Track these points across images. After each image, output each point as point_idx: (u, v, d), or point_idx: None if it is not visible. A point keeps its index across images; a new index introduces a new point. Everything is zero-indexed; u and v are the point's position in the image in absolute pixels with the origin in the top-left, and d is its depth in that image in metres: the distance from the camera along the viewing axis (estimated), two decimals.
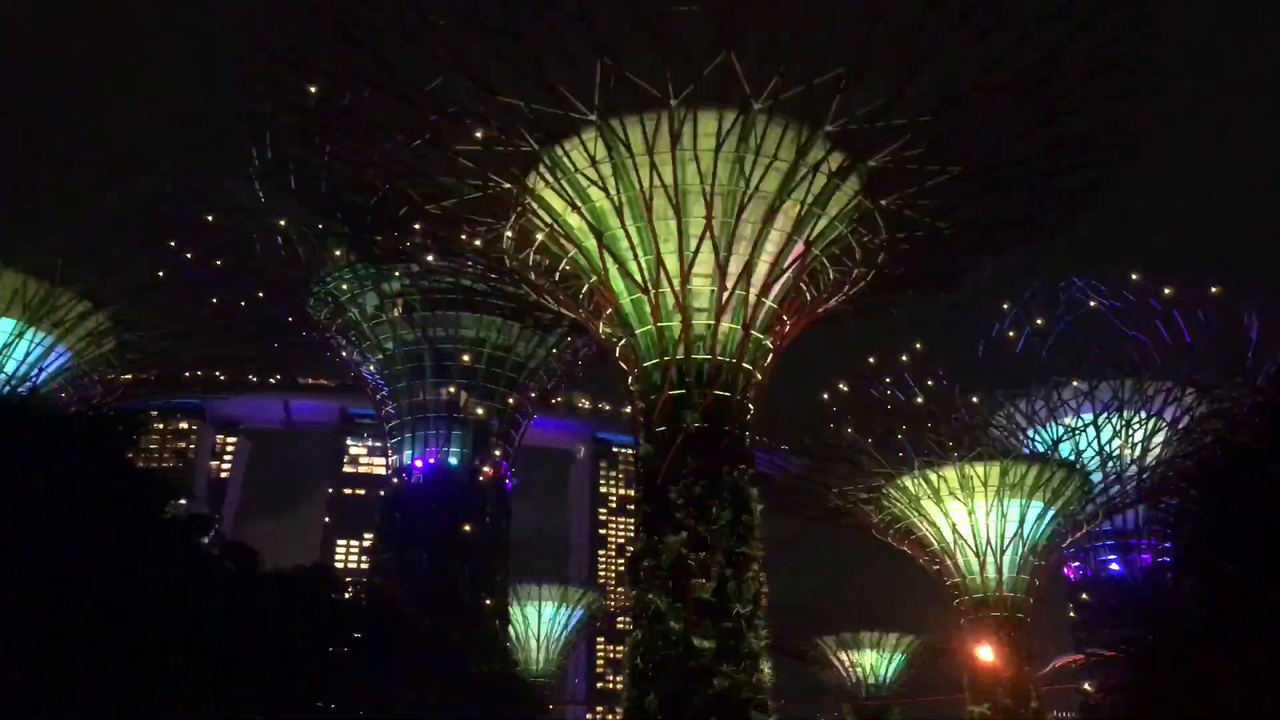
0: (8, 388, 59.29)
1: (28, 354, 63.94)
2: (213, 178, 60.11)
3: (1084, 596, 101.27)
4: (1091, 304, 74.86)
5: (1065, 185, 50.49)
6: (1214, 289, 70.32)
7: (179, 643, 31.65)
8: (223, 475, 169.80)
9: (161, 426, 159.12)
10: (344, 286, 70.21)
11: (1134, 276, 73.06)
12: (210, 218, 63.04)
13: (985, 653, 74.62)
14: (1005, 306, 76.23)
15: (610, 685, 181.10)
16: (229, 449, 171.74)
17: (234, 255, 65.24)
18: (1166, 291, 71.87)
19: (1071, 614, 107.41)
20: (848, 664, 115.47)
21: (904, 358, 76.76)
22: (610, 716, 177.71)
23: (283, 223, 65.74)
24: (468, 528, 72.55)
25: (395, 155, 48.84)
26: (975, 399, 79.43)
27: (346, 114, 46.25)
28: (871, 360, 78.24)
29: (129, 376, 71.99)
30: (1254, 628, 30.11)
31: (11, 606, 27.48)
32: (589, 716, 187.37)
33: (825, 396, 78.59)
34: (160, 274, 64.09)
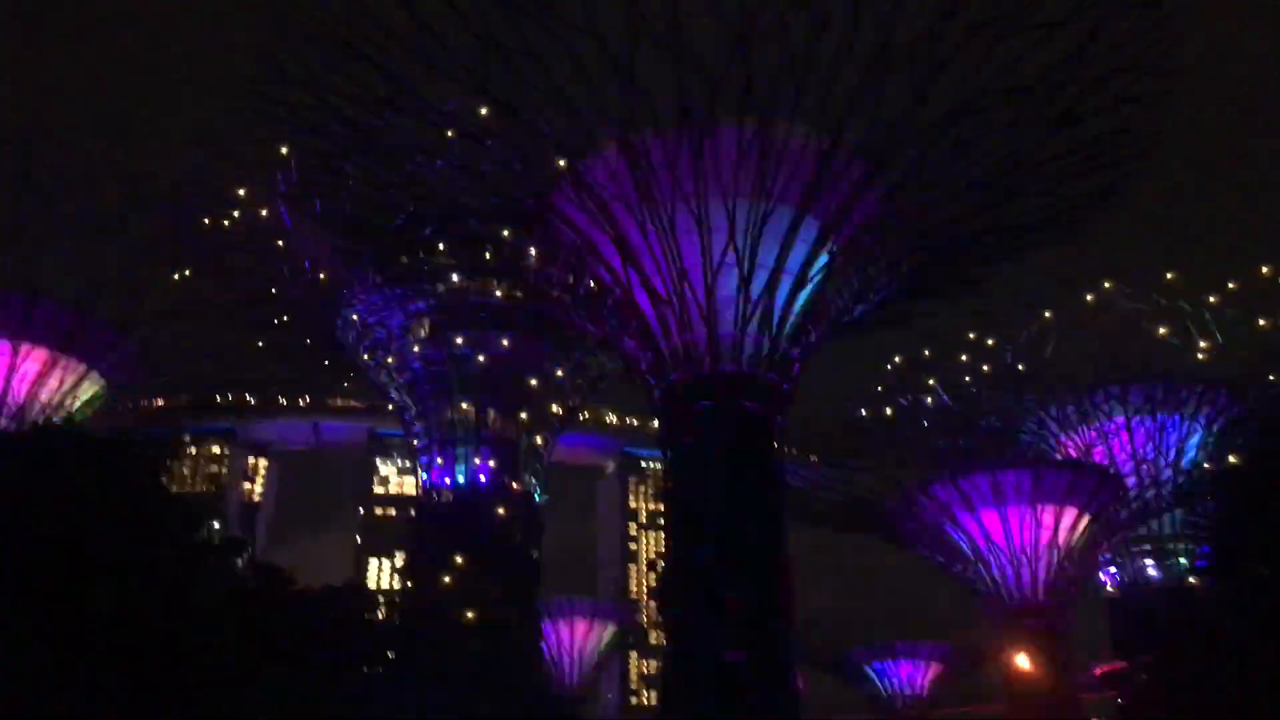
0: (42, 417, 60.08)
1: (61, 382, 64.78)
2: (236, 203, 60.70)
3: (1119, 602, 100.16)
4: (1122, 306, 74.25)
5: (1087, 187, 50.21)
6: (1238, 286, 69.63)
7: (213, 665, 31.88)
8: (255, 498, 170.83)
9: (194, 451, 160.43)
10: (370, 308, 70.64)
11: (1168, 276, 72.50)
12: (235, 242, 63.65)
13: (1023, 661, 73.79)
14: (1046, 313, 75.37)
15: (644, 700, 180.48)
16: (260, 471, 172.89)
17: (260, 279, 65.83)
18: (1206, 295, 71.27)
19: (1109, 621, 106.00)
20: (882, 674, 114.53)
21: (932, 365, 76.38)
22: None
23: (308, 246, 66.34)
24: (498, 545, 72.63)
25: (417, 176, 49.22)
26: (1006, 404, 78.84)
27: (368, 137, 46.68)
28: (899, 367, 77.91)
29: (160, 402, 72.77)
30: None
31: (45, 632, 27.77)
32: None
33: (853, 406, 78.32)
34: (188, 299, 64.81)
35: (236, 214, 60.00)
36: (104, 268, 62.01)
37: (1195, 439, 78.33)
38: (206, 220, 61.17)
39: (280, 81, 44.05)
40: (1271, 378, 70.37)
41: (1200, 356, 74.28)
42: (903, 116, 44.62)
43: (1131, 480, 77.68)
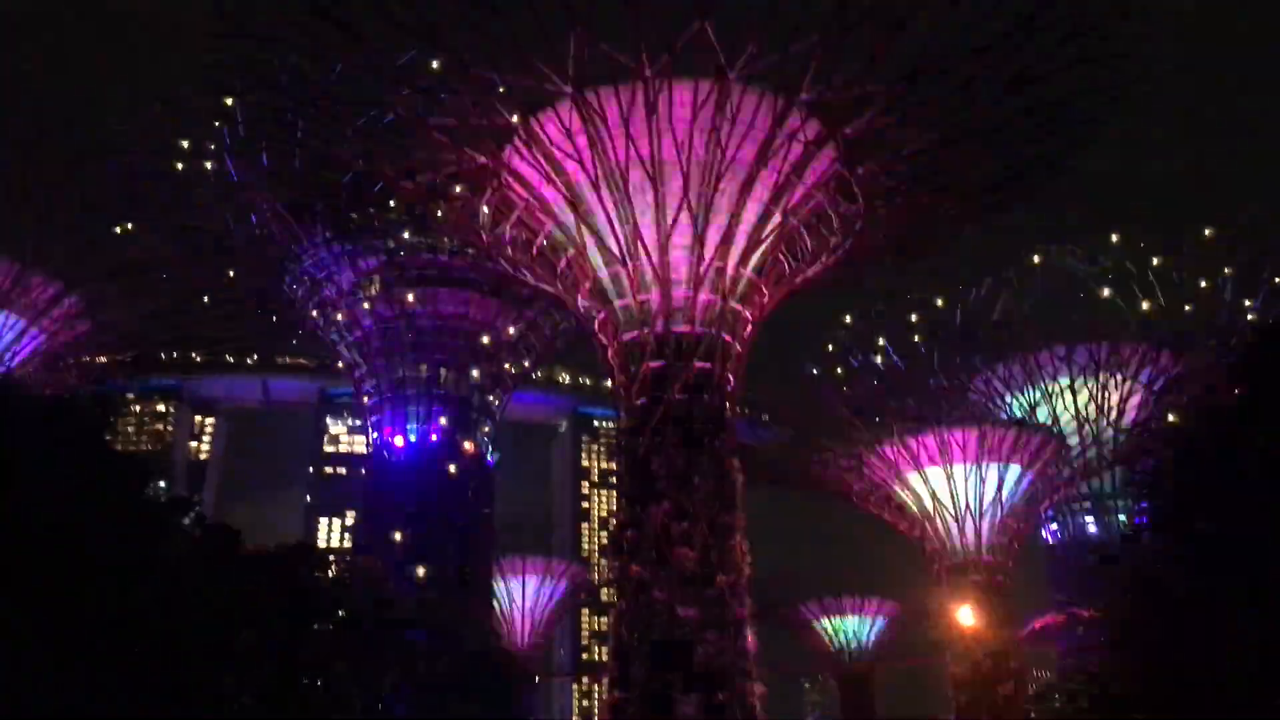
0: None
1: (0, 338, 63.33)
2: (184, 156, 59.32)
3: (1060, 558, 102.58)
4: (1068, 268, 75.44)
5: (1040, 150, 50.67)
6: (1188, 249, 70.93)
7: (159, 625, 31.56)
8: (202, 456, 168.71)
9: (138, 408, 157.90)
10: (319, 264, 69.70)
11: (1114, 238, 73.60)
12: (181, 197, 62.30)
13: (965, 616, 75.43)
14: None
15: (595, 656, 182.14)
16: (208, 430, 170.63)
17: (207, 234, 64.59)
18: (1144, 254, 72.49)
19: (1049, 576, 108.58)
20: (830, 630, 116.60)
21: (881, 326, 77.10)
22: (596, 687, 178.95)
23: (255, 201, 65.17)
24: (449, 504, 72.58)
25: (368, 131, 48.40)
26: (953, 365, 79.97)
27: (318, 90, 45.77)
28: (849, 328, 78.54)
29: (104, 358, 71.38)
30: (1228, 584, 30.57)
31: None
32: (574, 687, 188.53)
33: (805, 366, 78.94)
34: (133, 254, 63.42)
35: (182, 167, 58.58)
36: (46, 223, 60.40)
37: (1136, 398, 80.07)
38: (152, 175, 59.72)
39: (230, 33, 42.99)
40: (1212, 339, 71.86)
41: (1142, 316, 75.64)
42: (858, 77, 44.64)
43: (1074, 439, 79.30)
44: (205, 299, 68.72)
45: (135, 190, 60.13)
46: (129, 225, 62.00)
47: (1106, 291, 76.24)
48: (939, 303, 79.17)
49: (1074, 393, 79.35)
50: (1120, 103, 47.43)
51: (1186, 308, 74.21)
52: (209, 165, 58.18)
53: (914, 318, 79.02)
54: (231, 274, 68.07)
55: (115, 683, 28.59)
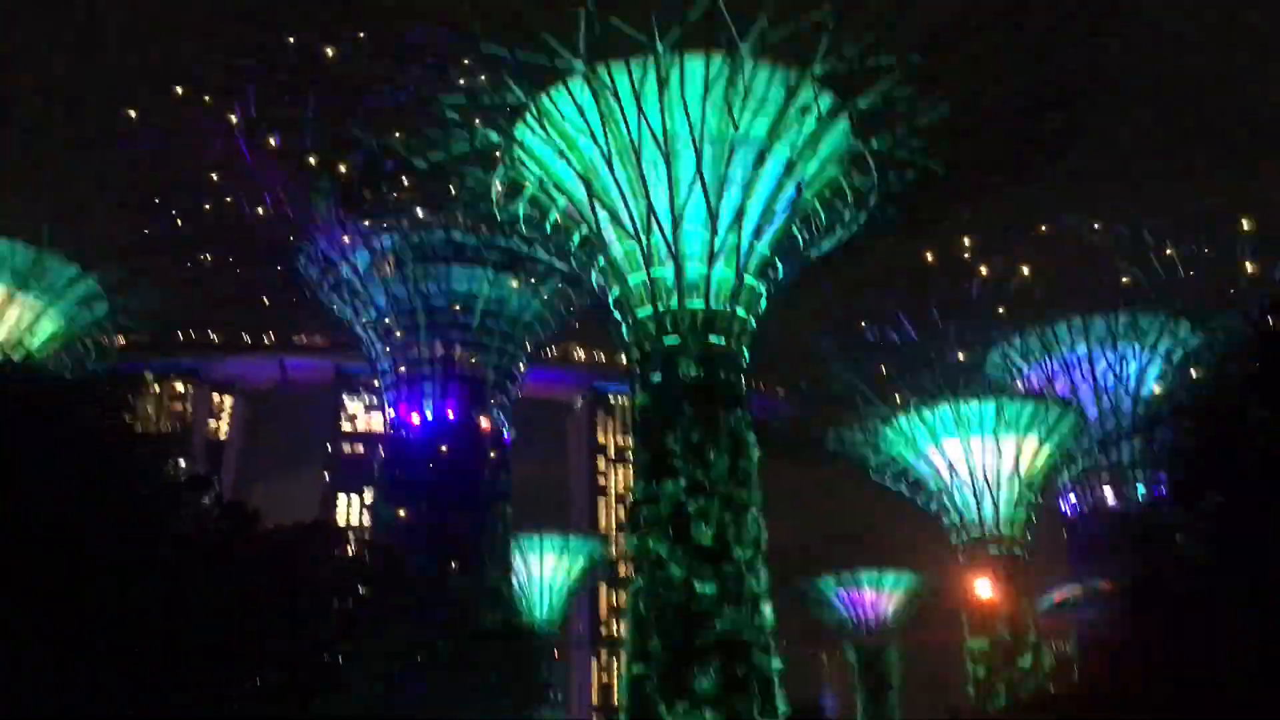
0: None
1: (18, 320, 63.73)
2: (198, 137, 59.39)
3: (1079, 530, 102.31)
4: (1085, 239, 74.72)
5: (1052, 124, 50.22)
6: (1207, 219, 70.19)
7: (181, 602, 31.86)
8: (221, 436, 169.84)
9: (157, 389, 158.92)
10: (334, 244, 69.78)
11: (1132, 212, 72.92)
12: (195, 178, 62.43)
13: (983, 588, 75.45)
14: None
15: (613, 631, 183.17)
16: (226, 410, 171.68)
17: (222, 215, 64.74)
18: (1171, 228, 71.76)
19: (1068, 548, 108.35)
20: (847, 603, 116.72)
21: (898, 297, 76.65)
22: (614, 661, 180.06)
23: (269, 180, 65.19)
24: (466, 480, 72.88)
25: (380, 109, 48.34)
26: (970, 337, 79.52)
27: (329, 68, 45.72)
28: (866, 301, 78.18)
29: (122, 340, 71.82)
30: (1246, 557, 30.45)
31: (7, 570, 27.57)
32: (593, 661, 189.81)
33: (820, 339, 78.63)
34: (149, 236, 63.68)
35: (195, 148, 58.68)
36: (65, 204, 60.73)
37: (1155, 370, 79.53)
38: (166, 156, 59.85)
39: (241, 12, 42.98)
40: (1231, 308, 71.20)
41: (1161, 286, 74.96)
42: (871, 49, 44.27)
43: (1092, 410, 78.90)
44: (221, 280, 69.02)
45: (150, 172, 60.26)
46: (143, 207, 62.24)
47: (1125, 263, 75.51)
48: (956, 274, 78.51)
49: (1092, 364, 78.85)
50: (1133, 76, 46.92)
51: (1206, 276, 73.48)
52: (221, 146, 58.23)
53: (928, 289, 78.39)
54: (247, 256, 68.29)
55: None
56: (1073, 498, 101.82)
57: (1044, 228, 74.29)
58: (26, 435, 29.87)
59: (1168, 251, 72.78)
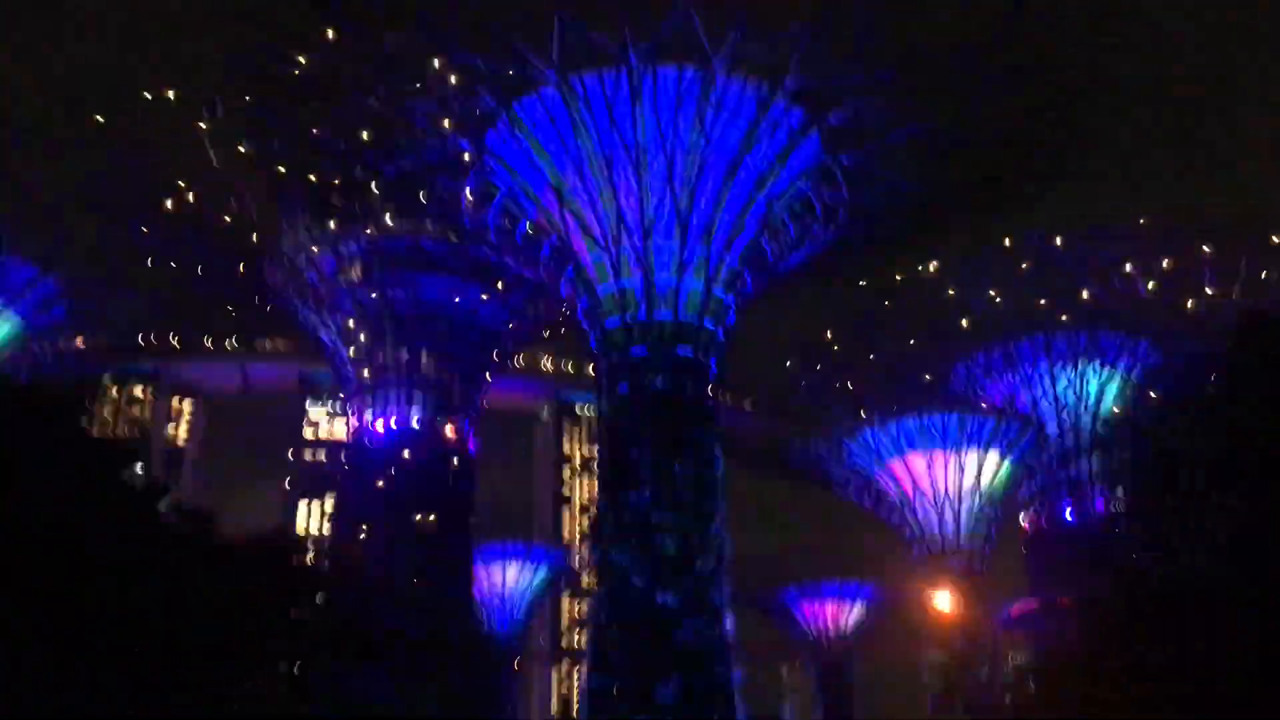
0: None
1: None
2: (165, 141, 58.82)
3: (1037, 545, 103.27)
4: (1049, 256, 75.41)
5: (1024, 145, 50.83)
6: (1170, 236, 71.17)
7: (135, 610, 31.36)
8: (180, 442, 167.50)
9: (116, 393, 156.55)
10: (299, 248, 69.13)
11: (1096, 228, 73.73)
12: (160, 182, 61.74)
13: (943, 601, 76.00)
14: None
15: (575, 642, 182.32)
16: (186, 415, 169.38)
17: (186, 219, 64.02)
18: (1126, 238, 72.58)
19: (1026, 562, 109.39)
20: (808, 615, 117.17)
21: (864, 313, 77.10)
22: (574, 673, 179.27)
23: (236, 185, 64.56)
24: (430, 489, 72.40)
25: (351, 115, 48.07)
26: (934, 352, 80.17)
27: (300, 75, 45.40)
28: (832, 317, 78.63)
29: (81, 343, 70.77)
30: (1201, 570, 30.94)
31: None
32: (554, 672, 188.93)
33: (787, 354, 78.99)
34: (112, 239, 62.88)
35: (160, 154, 58.07)
36: (24, 205, 59.80)
37: (1114, 387, 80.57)
38: (130, 160, 59.14)
39: (213, 19, 42.64)
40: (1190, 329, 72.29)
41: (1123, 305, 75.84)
42: (842, 65, 44.62)
43: (1052, 426, 79.83)
44: (183, 283, 68.23)
45: (114, 176, 59.52)
46: (105, 210, 61.47)
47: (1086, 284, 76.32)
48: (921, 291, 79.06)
49: (1053, 381, 79.77)
50: (1102, 96, 47.62)
51: (1167, 295, 74.51)
52: (188, 150, 57.65)
53: (887, 303, 78.84)
54: (211, 259, 67.53)
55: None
56: (1032, 512, 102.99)
57: (1008, 242, 74.85)
58: None
59: (1128, 269, 73.71)
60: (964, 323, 77.31)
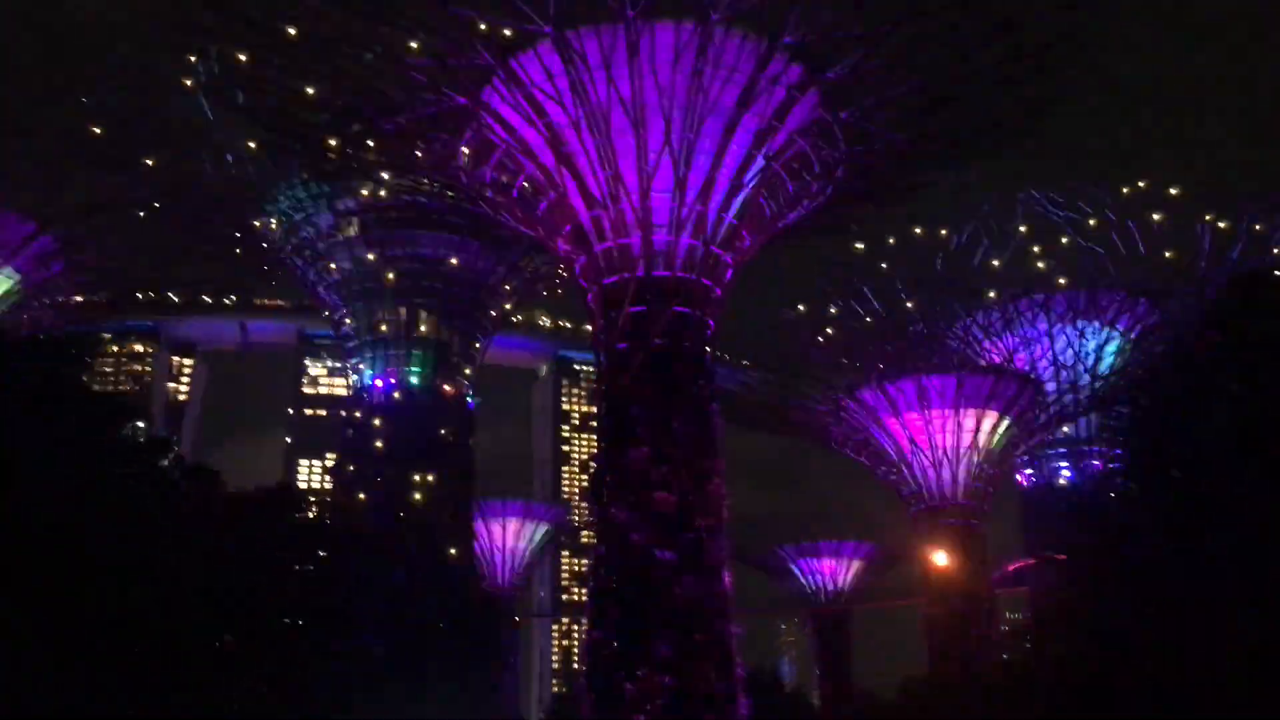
0: None
1: None
2: (158, 93, 58.26)
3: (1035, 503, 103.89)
4: (1048, 215, 75.09)
5: (1024, 96, 50.33)
6: (1169, 195, 70.68)
7: (140, 566, 31.65)
8: (180, 398, 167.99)
9: (115, 349, 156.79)
10: (297, 205, 68.89)
11: (1093, 187, 73.28)
12: (156, 135, 61.28)
13: (940, 559, 76.56)
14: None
15: (575, 597, 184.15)
16: (186, 371, 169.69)
17: (182, 173, 63.66)
18: (1124, 197, 72.07)
19: (1023, 521, 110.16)
20: (807, 571, 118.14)
21: (861, 271, 76.81)
22: (575, 628, 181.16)
23: (231, 140, 64.09)
24: (430, 446, 72.69)
25: (346, 69, 47.63)
26: (932, 311, 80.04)
27: (295, 26, 44.90)
28: (830, 274, 78.34)
29: (80, 299, 70.68)
30: (1198, 528, 31.14)
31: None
32: (554, 628, 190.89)
33: (785, 312, 78.83)
34: (109, 193, 62.53)
35: (155, 107, 57.57)
36: (21, 161, 59.42)
37: (1113, 346, 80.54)
38: (125, 114, 58.64)
39: None
40: (1189, 288, 72.06)
41: (1121, 264, 75.56)
42: (841, 19, 44.18)
43: (1051, 386, 79.93)
44: (182, 239, 68.01)
45: (110, 129, 59.07)
46: (102, 163, 61.05)
47: (1085, 238, 75.98)
48: (919, 248, 78.77)
49: (1052, 340, 79.73)
50: (1102, 50, 47.12)
51: (1166, 254, 74.16)
52: (183, 104, 57.14)
53: (884, 265, 78.62)
54: (208, 215, 67.23)
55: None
56: (1030, 471, 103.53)
57: (1016, 208, 74.40)
58: None
59: (1128, 227, 73.27)
60: (963, 284, 77.07)
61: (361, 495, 70.98)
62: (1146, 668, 31.05)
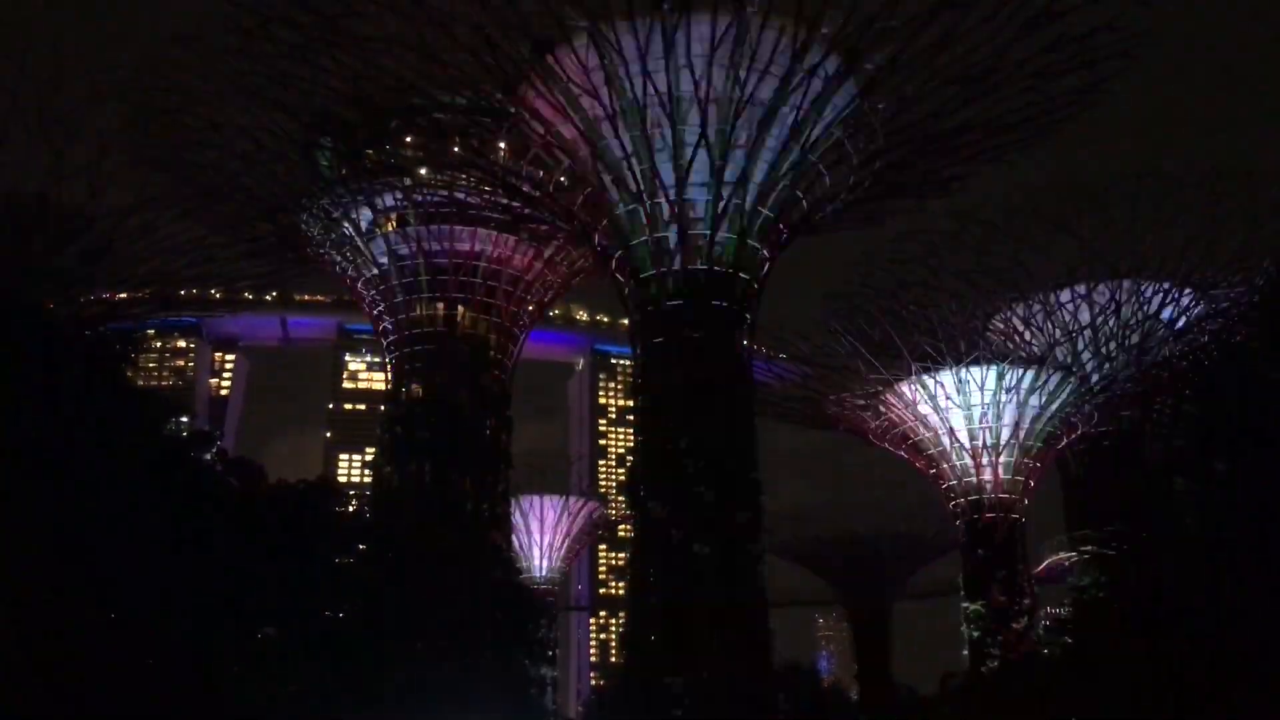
0: None
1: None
2: (201, 92, 58.86)
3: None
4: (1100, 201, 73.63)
5: (1064, 87, 49.65)
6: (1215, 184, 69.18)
7: (186, 558, 32.11)
8: (223, 393, 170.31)
9: (159, 345, 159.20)
10: (336, 202, 69.34)
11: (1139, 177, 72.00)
12: (199, 134, 61.94)
13: (982, 553, 76.01)
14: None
15: (613, 591, 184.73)
16: (228, 367, 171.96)
17: (223, 172, 64.32)
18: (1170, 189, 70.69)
19: (1065, 513, 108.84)
20: (844, 565, 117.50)
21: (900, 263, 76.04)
22: (612, 621, 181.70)
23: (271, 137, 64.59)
24: (468, 440, 72.95)
25: (385, 66, 47.91)
26: (973, 302, 79.12)
27: (334, 25, 45.21)
28: (869, 267, 77.66)
29: (124, 295, 71.65)
30: (1244, 524, 30.64)
31: (14, 523, 27.74)
32: (592, 621, 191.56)
33: (822, 304, 78.30)
34: (151, 191, 63.31)
35: (195, 105, 58.15)
36: (66, 160, 60.22)
37: (1156, 337, 79.23)
38: (164, 112, 59.30)
39: None
40: (1236, 278, 70.77)
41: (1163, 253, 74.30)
42: (879, 10, 43.78)
43: (1094, 377, 78.84)
44: (223, 236, 68.76)
45: (153, 127, 59.79)
46: (145, 162, 61.82)
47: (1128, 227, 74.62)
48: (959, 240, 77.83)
49: (1095, 331, 78.61)
50: (1145, 38, 46.33)
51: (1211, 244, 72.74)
52: (224, 101, 57.69)
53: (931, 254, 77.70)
54: (247, 212, 67.88)
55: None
56: (1071, 464, 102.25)
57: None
58: (26, 381, 29.85)
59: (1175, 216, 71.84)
60: (1003, 275, 76.11)
61: (400, 489, 71.35)
62: (1195, 666, 30.64)
